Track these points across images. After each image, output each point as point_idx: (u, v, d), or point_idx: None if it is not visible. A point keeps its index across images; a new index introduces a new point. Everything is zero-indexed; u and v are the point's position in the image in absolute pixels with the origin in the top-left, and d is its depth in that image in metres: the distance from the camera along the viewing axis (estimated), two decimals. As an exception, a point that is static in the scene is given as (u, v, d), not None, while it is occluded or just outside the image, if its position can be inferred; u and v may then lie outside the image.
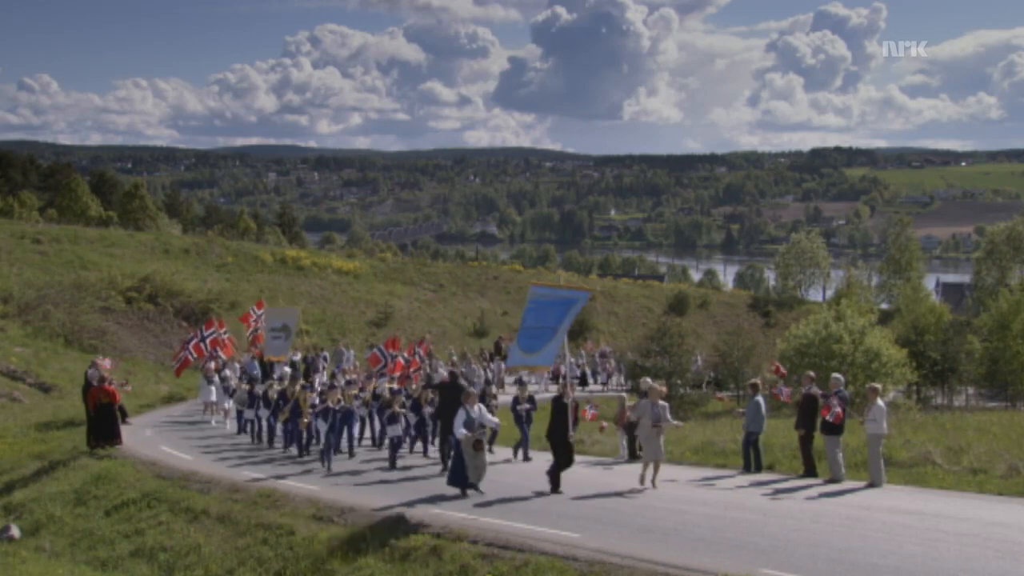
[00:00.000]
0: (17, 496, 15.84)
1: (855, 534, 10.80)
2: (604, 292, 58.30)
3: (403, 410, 16.90)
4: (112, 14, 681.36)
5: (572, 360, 34.35)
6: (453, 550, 10.77)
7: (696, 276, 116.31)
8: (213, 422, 22.10)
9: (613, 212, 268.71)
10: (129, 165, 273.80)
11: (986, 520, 11.30)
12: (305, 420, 17.03)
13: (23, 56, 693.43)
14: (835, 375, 15.47)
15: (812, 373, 16.40)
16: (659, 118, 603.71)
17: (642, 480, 13.99)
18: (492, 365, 30.50)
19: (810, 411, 14.72)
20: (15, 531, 14.13)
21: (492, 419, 14.39)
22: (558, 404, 13.80)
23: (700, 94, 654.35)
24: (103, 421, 17.97)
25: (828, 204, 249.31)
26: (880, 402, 14.08)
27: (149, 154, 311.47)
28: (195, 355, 24.14)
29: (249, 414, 19.78)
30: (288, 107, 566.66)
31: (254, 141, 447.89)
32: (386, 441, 17.27)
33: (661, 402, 14.14)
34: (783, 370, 19.31)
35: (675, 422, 14.72)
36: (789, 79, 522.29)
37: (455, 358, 29.89)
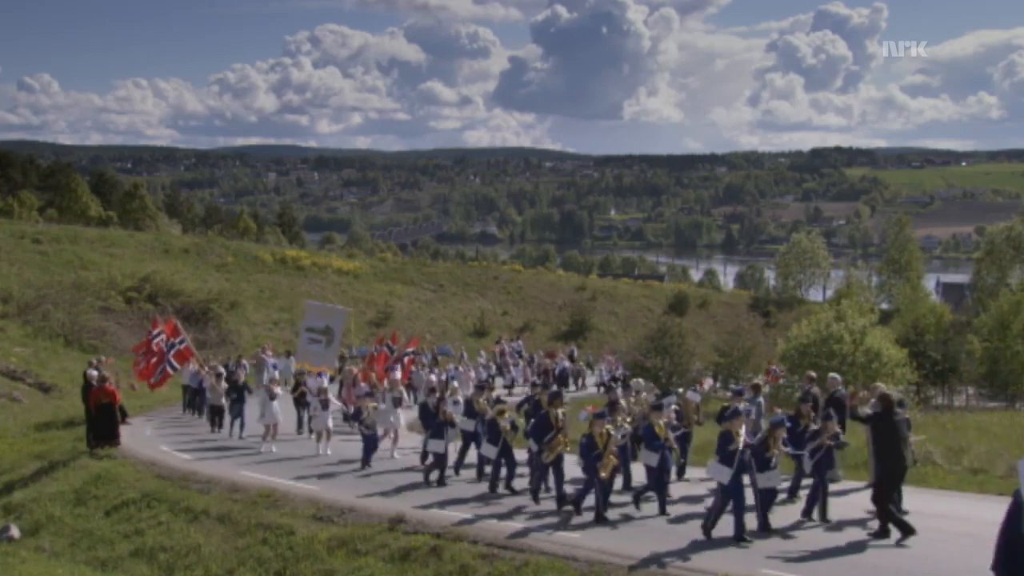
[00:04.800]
0: (17, 496, 15.81)
1: (855, 534, 10.79)
2: (604, 292, 58.38)
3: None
4: (112, 14, 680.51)
5: (482, 360, 31.17)
6: (453, 550, 10.77)
7: (696, 276, 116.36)
8: (274, 448, 17.95)
9: (613, 212, 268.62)
10: (129, 165, 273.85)
11: (987, 520, 11.26)
12: (608, 463, 11.85)
13: (23, 56, 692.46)
14: (832, 375, 15.46)
15: (812, 373, 16.40)
16: (659, 118, 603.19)
17: None
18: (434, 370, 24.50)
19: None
20: (15, 531, 14.12)
21: None
22: None
23: (700, 94, 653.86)
24: (103, 421, 17.93)
25: (828, 204, 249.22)
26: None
27: (149, 154, 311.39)
28: (178, 365, 21.27)
29: (435, 445, 14.56)
30: (288, 107, 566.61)
31: (254, 141, 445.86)
32: (545, 485, 13.02)
33: None
34: (778, 375, 19.31)
35: None
36: (789, 79, 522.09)
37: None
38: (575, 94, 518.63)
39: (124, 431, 18.68)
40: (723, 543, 10.54)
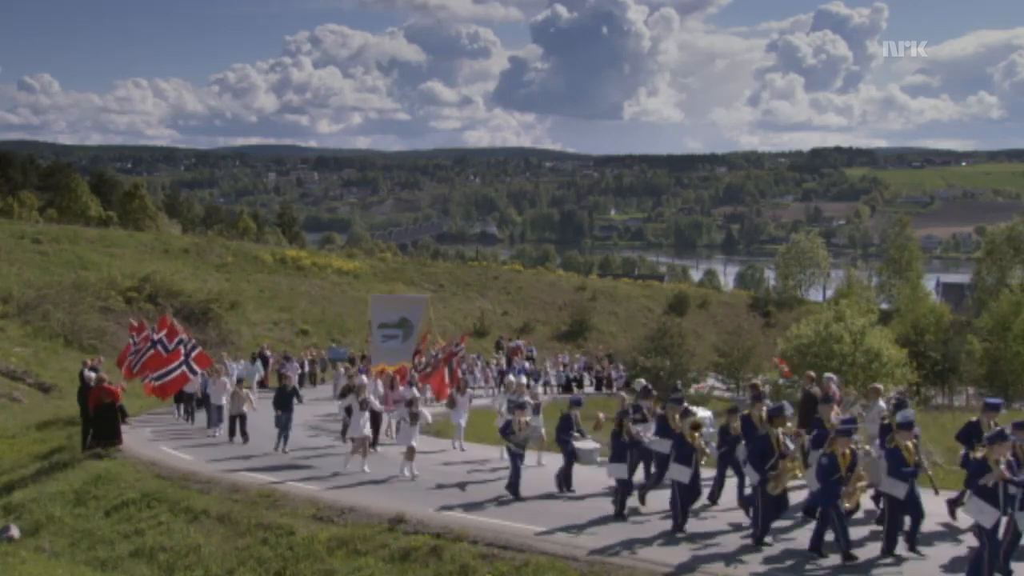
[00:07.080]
0: (17, 496, 15.80)
1: (855, 535, 10.79)
2: (604, 292, 58.38)
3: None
4: (112, 14, 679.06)
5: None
6: (453, 550, 10.77)
7: (696, 276, 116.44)
8: (366, 468, 15.51)
9: (613, 212, 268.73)
10: (129, 165, 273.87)
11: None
12: (856, 491, 10.26)
13: (23, 56, 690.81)
14: (827, 375, 15.44)
15: (812, 373, 16.38)
16: (659, 118, 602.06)
17: None
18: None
19: (809, 412, 14.67)
20: (15, 531, 14.11)
21: None
22: None
23: (700, 94, 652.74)
24: (104, 421, 17.90)
25: (828, 204, 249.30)
26: (881, 403, 14.05)
27: (149, 154, 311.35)
28: (198, 369, 19.83)
29: (618, 470, 12.35)
30: (288, 107, 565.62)
31: (254, 141, 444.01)
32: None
33: None
34: (787, 369, 19.30)
35: None
36: (790, 79, 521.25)
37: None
38: (575, 94, 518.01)
39: (124, 431, 18.64)
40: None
